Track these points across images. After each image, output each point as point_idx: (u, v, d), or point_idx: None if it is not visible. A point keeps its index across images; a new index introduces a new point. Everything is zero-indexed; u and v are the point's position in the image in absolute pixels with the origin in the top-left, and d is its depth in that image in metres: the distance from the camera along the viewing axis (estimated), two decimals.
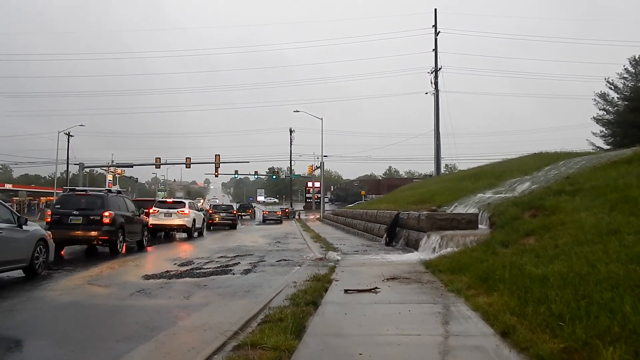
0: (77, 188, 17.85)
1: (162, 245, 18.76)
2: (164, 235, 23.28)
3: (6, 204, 10.00)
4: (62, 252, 13.90)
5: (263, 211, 55.11)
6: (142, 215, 17.49)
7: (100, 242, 14.19)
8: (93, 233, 13.85)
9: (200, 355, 4.41)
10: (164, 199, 27.48)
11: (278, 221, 46.88)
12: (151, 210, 21.73)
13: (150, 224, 19.63)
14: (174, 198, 33.24)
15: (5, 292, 8.23)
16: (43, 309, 7.02)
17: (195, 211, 25.12)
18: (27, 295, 7.93)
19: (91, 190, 16.29)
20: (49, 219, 14.19)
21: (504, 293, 5.81)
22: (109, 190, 16.35)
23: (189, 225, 22.69)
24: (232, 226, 33.66)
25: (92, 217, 13.97)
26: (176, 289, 8.40)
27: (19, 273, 9.73)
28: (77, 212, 14.04)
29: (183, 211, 22.65)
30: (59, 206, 14.70)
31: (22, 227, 9.57)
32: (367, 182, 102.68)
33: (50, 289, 8.52)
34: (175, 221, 22.29)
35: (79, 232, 13.90)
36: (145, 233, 17.45)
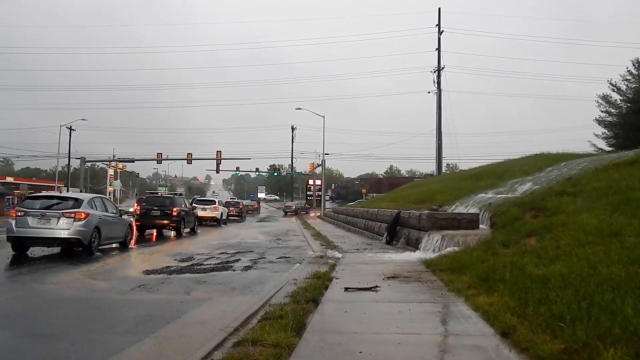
0: (154, 192, 30.81)
1: (169, 240, 18.80)
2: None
3: (113, 202, 16.11)
4: (144, 234, 20.48)
5: (283, 205, 73.16)
6: (194, 210, 24.91)
7: (170, 228, 20.91)
8: (166, 221, 20.67)
9: (201, 351, 4.41)
10: (201, 198, 39.16)
11: (294, 213, 60.38)
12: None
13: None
14: (207, 197, 44.30)
15: (9, 284, 8.26)
16: (47, 301, 7.04)
17: (222, 207, 33.44)
18: (26, 288, 7.96)
19: (165, 193, 26.61)
20: (138, 212, 21.09)
21: (504, 293, 5.81)
22: (175, 193, 26.23)
23: (219, 217, 30.91)
24: (241, 217, 41.35)
25: (165, 211, 20.65)
26: (177, 285, 8.42)
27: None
28: (156, 208, 20.87)
29: (214, 207, 31.08)
30: (144, 203, 21.68)
31: (121, 217, 14.97)
32: (368, 181, 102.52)
33: (52, 283, 8.54)
34: (209, 214, 30.29)
35: (157, 221, 20.74)
36: (196, 223, 24.25)
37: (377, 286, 7.38)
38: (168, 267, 10.49)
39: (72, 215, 12.24)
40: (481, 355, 4.19)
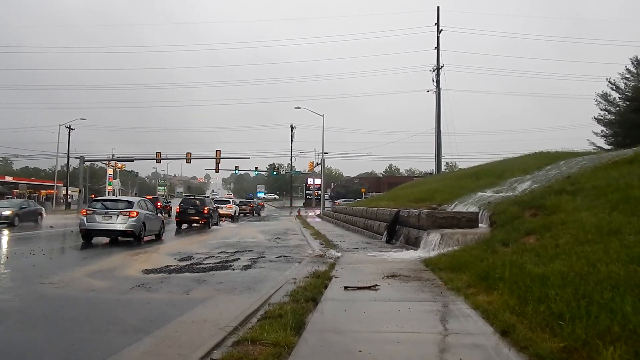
0: (190, 194, 44.07)
1: (169, 239, 18.82)
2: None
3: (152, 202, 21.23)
4: (181, 227, 26.05)
5: (336, 202, 77.69)
6: (217, 208, 32.26)
7: (202, 222, 26.78)
8: (197, 217, 26.82)
9: (200, 350, 4.41)
10: (219, 199, 44.56)
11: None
12: None
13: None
14: (223, 197, 52.08)
15: (8, 283, 8.24)
16: (50, 300, 7.04)
17: (236, 206, 41.34)
18: (27, 288, 7.95)
19: (197, 196, 37.57)
20: (178, 210, 27.34)
21: (503, 292, 5.81)
22: (206, 196, 35.37)
23: (233, 214, 38.48)
24: (252, 214, 50.71)
25: (199, 210, 26.95)
26: (176, 284, 8.42)
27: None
28: (192, 207, 27.18)
29: (229, 206, 38.45)
30: (182, 204, 28.08)
31: (157, 215, 19.40)
32: (368, 180, 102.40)
33: (49, 283, 8.53)
34: (226, 212, 36.60)
35: (192, 217, 26.74)
36: (219, 219, 31.21)
37: (376, 285, 7.38)
38: (167, 266, 10.50)
39: (127, 213, 16.10)
40: (481, 353, 4.19)
